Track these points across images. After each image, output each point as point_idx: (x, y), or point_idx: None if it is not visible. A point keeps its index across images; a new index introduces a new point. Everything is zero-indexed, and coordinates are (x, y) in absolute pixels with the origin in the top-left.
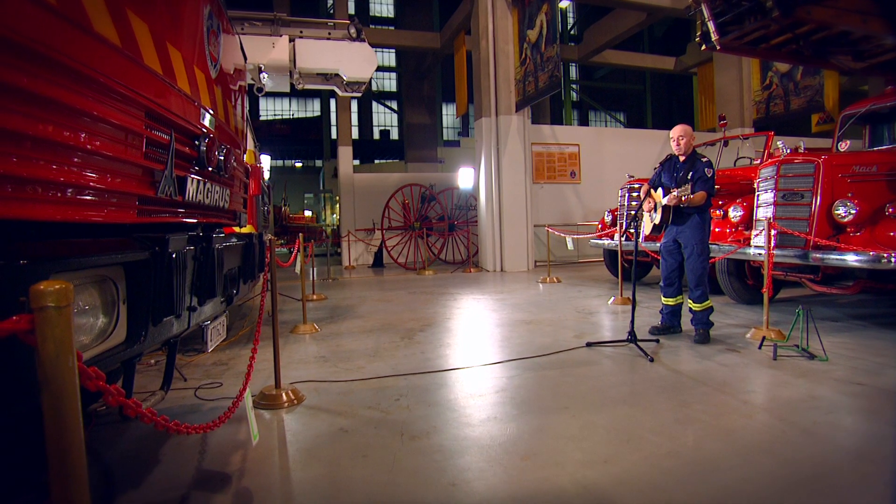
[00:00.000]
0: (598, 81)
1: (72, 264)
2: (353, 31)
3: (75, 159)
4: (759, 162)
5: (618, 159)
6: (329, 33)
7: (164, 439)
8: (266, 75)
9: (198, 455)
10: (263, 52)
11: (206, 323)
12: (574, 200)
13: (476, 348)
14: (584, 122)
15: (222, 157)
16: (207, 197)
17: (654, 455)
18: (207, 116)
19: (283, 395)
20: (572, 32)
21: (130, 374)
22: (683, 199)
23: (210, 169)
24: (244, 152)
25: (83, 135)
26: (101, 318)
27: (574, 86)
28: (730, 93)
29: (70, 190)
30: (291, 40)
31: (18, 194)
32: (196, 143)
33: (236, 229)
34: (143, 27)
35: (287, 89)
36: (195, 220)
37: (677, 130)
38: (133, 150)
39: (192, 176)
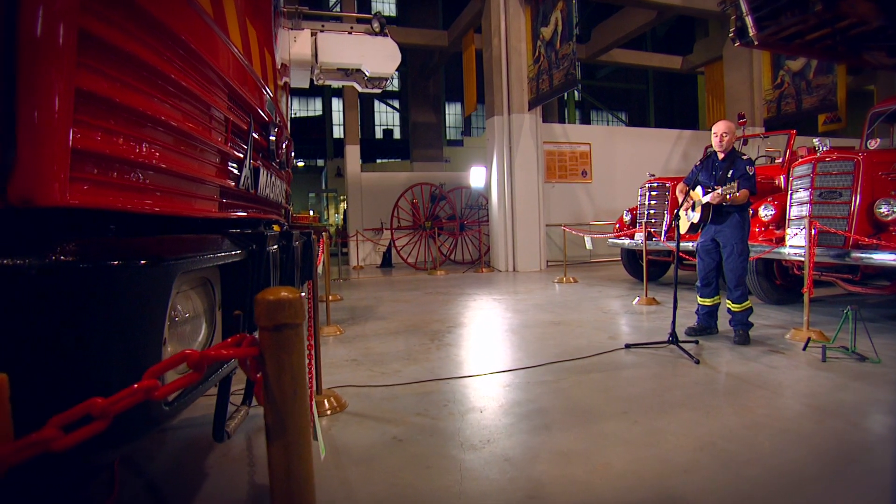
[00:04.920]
0: (601, 80)
1: (191, 264)
2: (375, 25)
3: (166, 141)
4: (780, 161)
5: (629, 158)
6: (351, 27)
7: (207, 450)
8: None
9: (248, 468)
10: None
11: None
12: (585, 200)
13: (511, 350)
14: (585, 121)
15: (284, 149)
16: (272, 191)
17: (733, 463)
18: (274, 104)
19: (325, 401)
20: (575, 32)
21: (226, 390)
22: (728, 197)
23: (276, 161)
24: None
25: (174, 112)
26: (204, 328)
27: (578, 85)
28: (739, 92)
29: (161, 177)
30: (313, 34)
31: (106, 178)
32: (266, 132)
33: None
34: None
35: (306, 85)
36: (260, 216)
37: (721, 126)
38: (218, 134)
39: (263, 168)
